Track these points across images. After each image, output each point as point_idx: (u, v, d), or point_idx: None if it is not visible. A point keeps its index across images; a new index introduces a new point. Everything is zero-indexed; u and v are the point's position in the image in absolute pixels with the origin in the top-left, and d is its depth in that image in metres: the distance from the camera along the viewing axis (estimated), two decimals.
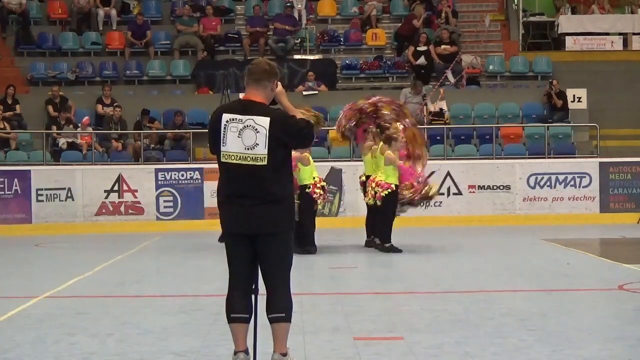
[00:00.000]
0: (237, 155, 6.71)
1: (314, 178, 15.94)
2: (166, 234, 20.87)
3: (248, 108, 6.78)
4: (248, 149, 6.70)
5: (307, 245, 15.85)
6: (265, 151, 6.69)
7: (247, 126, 6.71)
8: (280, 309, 6.73)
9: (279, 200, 6.73)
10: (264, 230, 6.72)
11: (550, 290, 11.58)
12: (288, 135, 6.72)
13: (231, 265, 6.86)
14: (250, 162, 6.69)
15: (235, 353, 6.83)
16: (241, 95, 7.21)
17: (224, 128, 6.74)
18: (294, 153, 8.13)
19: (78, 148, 24.18)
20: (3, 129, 24.57)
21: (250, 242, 6.76)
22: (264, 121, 6.72)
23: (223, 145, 6.73)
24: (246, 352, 6.83)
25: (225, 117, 6.76)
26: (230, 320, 6.81)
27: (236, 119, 6.74)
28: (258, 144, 6.70)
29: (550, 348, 7.84)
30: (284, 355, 6.81)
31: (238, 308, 6.77)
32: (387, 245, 16.02)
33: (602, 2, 29.57)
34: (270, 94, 6.89)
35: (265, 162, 6.69)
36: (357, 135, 17.40)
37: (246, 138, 6.70)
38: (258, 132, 6.70)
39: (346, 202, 22.53)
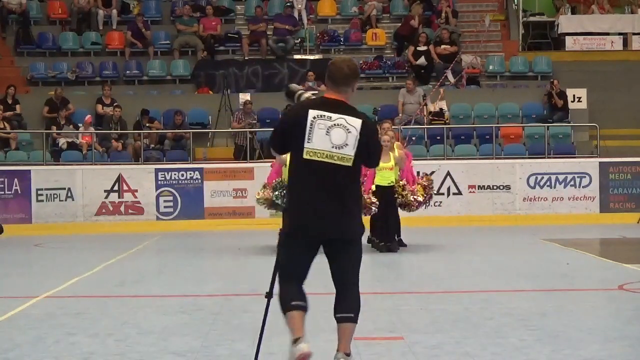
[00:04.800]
0: (323, 153, 6.43)
1: None
2: (166, 234, 20.87)
3: (337, 106, 6.52)
4: (336, 147, 6.44)
5: None
6: (353, 152, 6.45)
7: (338, 124, 6.46)
8: (351, 309, 6.56)
9: (357, 202, 6.57)
10: (344, 236, 6.52)
11: (550, 290, 11.58)
12: (369, 147, 6.52)
13: (290, 265, 6.64)
14: (337, 162, 6.44)
15: (295, 340, 6.56)
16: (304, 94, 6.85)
17: (311, 124, 6.44)
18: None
19: (78, 148, 24.18)
20: (3, 129, 24.57)
21: (319, 244, 6.57)
22: (356, 122, 6.48)
23: (308, 142, 6.44)
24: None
25: (313, 112, 6.47)
26: (291, 308, 6.55)
27: (325, 115, 6.47)
28: (347, 144, 6.45)
29: (550, 348, 7.83)
30: (348, 355, 6.66)
31: (297, 296, 6.58)
32: (399, 238, 16.14)
33: (602, 2, 29.56)
34: (351, 95, 6.63)
35: (350, 164, 6.46)
36: None
37: (335, 136, 6.44)
38: (349, 132, 6.46)
39: None
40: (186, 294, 11.49)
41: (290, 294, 6.59)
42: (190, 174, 22.71)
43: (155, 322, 9.38)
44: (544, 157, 23.71)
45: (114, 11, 29.07)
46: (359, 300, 6.60)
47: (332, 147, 6.43)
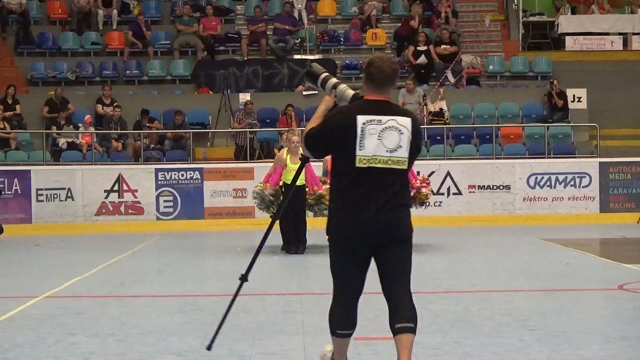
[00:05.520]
0: (376, 159, 6.11)
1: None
2: (166, 234, 20.87)
3: (385, 108, 6.21)
4: (390, 151, 6.14)
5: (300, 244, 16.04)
6: (407, 154, 6.17)
7: (389, 127, 6.15)
8: (409, 318, 6.18)
9: (408, 205, 6.29)
10: (400, 237, 6.21)
11: (550, 290, 11.58)
12: (417, 143, 6.23)
13: (344, 277, 6.29)
14: (391, 166, 6.14)
15: None
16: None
17: (362, 131, 6.11)
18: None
19: (78, 148, 24.19)
20: (3, 129, 24.57)
21: (371, 252, 6.24)
22: (407, 122, 6.20)
23: (360, 149, 6.10)
24: None
25: (362, 118, 6.12)
26: (337, 335, 6.36)
27: (375, 120, 6.14)
28: (401, 146, 6.16)
29: (550, 348, 7.84)
30: None
31: (347, 324, 6.32)
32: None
33: (602, 2, 29.57)
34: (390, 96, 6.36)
35: (405, 166, 6.19)
36: None
37: (388, 140, 6.13)
38: (402, 133, 6.16)
39: None
40: (186, 294, 11.49)
41: (342, 319, 6.33)
42: (190, 174, 22.70)
43: (155, 322, 9.38)
44: (544, 157, 23.71)
45: (114, 11, 29.08)
46: (415, 309, 6.25)
47: (386, 151, 6.13)
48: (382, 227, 6.13)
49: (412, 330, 6.16)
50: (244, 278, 6.68)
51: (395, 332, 6.17)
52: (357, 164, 6.12)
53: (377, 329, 8.83)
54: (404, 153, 6.16)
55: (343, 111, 6.24)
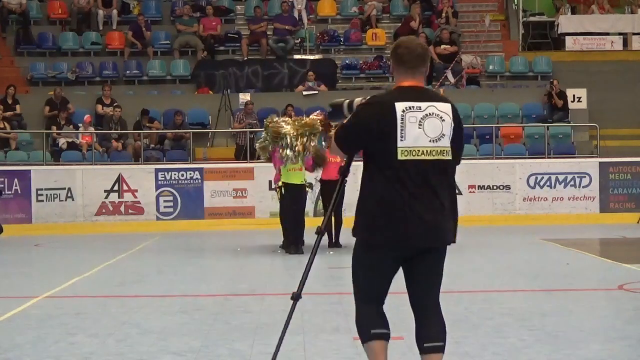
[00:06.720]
0: (419, 150, 5.52)
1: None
2: (166, 234, 20.87)
3: (422, 93, 5.63)
4: (433, 141, 5.55)
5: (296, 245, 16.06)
6: (449, 143, 5.60)
7: (430, 114, 5.56)
8: (438, 336, 5.67)
9: (455, 203, 5.70)
10: (442, 243, 5.63)
11: (550, 290, 11.58)
12: (459, 132, 5.68)
13: (371, 284, 5.72)
14: (436, 157, 5.56)
15: None
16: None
17: (401, 119, 5.52)
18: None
19: (78, 148, 24.19)
20: (3, 129, 24.58)
21: (405, 257, 5.67)
22: (447, 108, 5.62)
23: (401, 140, 5.51)
24: None
25: (400, 105, 5.54)
26: (371, 337, 5.66)
27: (414, 107, 5.55)
28: (444, 135, 5.58)
29: (550, 348, 7.83)
30: None
31: (379, 323, 5.69)
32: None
33: (602, 2, 29.57)
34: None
35: (450, 157, 5.62)
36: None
37: (429, 128, 5.55)
38: (444, 120, 5.58)
39: (346, 202, 22.49)
40: (186, 294, 11.49)
41: (371, 319, 5.70)
42: (190, 174, 22.71)
43: (155, 322, 9.37)
44: (544, 157, 23.71)
45: (114, 11, 29.08)
46: (444, 324, 5.73)
47: (429, 140, 5.54)
48: (428, 226, 5.53)
49: (441, 350, 5.68)
50: (297, 297, 6.11)
51: (422, 350, 5.69)
52: (399, 157, 5.51)
53: None
54: (447, 142, 5.59)
55: (377, 100, 5.65)
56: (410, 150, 5.52)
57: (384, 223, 5.54)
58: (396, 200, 5.52)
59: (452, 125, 5.60)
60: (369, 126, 5.56)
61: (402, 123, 5.52)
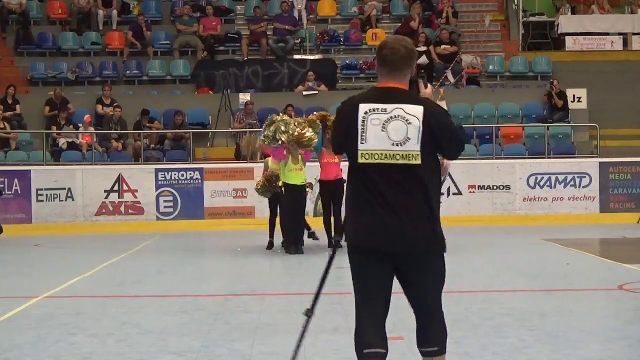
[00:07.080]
0: (381, 154, 5.36)
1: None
2: (166, 234, 20.87)
3: (392, 95, 5.43)
4: (396, 144, 5.36)
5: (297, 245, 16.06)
6: (418, 147, 5.35)
7: (395, 116, 5.38)
8: (435, 341, 5.56)
9: (429, 208, 5.41)
10: (413, 249, 5.41)
11: (550, 290, 11.58)
12: (441, 135, 5.41)
13: (363, 290, 5.50)
14: (400, 161, 5.37)
15: None
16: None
17: (362, 121, 5.39)
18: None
19: (78, 148, 24.19)
20: (3, 129, 24.57)
21: (393, 261, 5.46)
22: (417, 110, 5.38)
23: (362, 143, 5.38)
24: None
25: (364, 107, 5.41)
26: (364, 356, 5.45)
27: (379, 108, 5.39)
28: (410, 138, 5.36)
29: (550, 348, 7.84)
30: None
31: (375, 341, 5.44)
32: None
33: (602, 2, 29.57)
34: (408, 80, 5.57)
35: (418, 161, 5.36)
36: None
37: (393, 131, 5.36)
38: (410, 123, 5.36)
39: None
40: (186, 294, 11.49)
41: (365, 336, 5.47)
42: (190, 174, 22.71)
43: (155, 322, 9.38)
44: (544, 157, 23.71)
45: (114, 11, 29.08)
46: (444, 327, 5.59)
47: (392, 144, 5.36)
48: (391, 230, 5.37)
49: (437, 353, 5.57)
50: (310, 313, 5.87)
51: (423, 354, 5.62)
52: (359, 160, 5.40)
53: None
54: (413, 146, 5.35)
55: (348, 101, 5.56)
56: (371, 154, 5.40)
57: (354, 225, 5.48)
58: (362, 203, 5.43)
59: (421, 128, 5.37)
60: (340, 127, 5.53)
61: (363, 125, 5.40)
